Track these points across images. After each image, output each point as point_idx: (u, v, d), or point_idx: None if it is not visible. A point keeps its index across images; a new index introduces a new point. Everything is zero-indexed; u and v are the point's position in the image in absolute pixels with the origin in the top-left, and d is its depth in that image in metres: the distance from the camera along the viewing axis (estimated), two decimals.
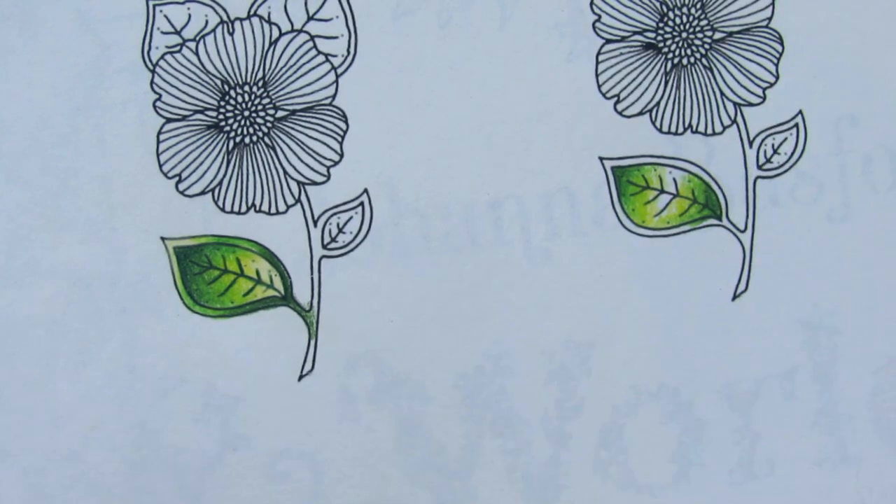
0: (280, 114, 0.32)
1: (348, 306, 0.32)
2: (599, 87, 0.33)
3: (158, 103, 0.32)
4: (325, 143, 0.32)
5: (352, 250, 0.32)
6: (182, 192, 0.32)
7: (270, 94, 0.32)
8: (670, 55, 0.34)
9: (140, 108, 0.32)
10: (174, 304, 0.32)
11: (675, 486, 0.33)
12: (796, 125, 0.34)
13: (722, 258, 0.33)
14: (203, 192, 0.32)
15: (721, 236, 0.33)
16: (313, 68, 0.32)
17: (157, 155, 0.32)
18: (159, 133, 0.32)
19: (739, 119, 0.34)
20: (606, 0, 0.33)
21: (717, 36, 0.34)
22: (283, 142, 0.32)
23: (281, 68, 0.32)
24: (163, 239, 0.32)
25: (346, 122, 0.33)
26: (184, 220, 0.32)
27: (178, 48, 0.32)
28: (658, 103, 0.33)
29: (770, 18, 0.34)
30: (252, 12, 0.32)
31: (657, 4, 0.34)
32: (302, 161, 0.32)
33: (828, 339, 0.33)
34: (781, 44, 0.34)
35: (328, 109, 0.32)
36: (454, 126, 0.33)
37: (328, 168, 0.32)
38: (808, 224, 0.33)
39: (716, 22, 0.34)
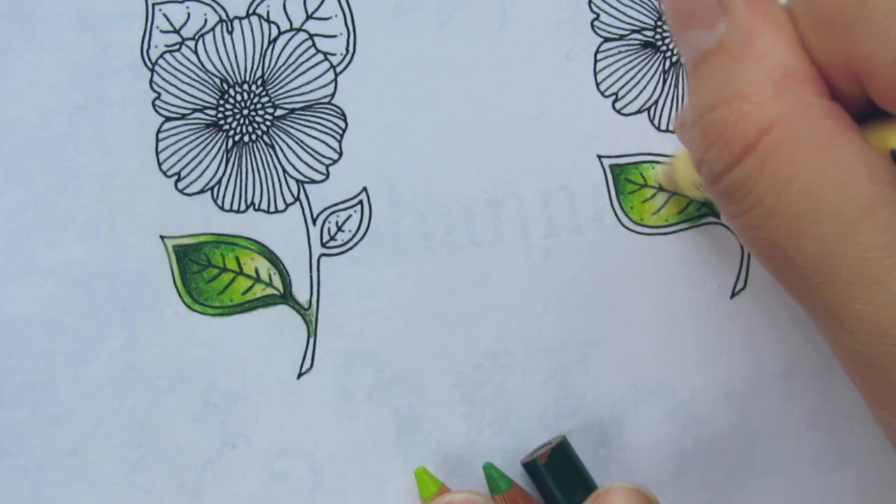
0: (279, 112, 0.32)
1: (347, 304, 0.32)
2: (598, 85, 0.33)
3: (158, 102, 0.32)
4: (324, 142, 0.32)
5: (351, 248, 0.32)
6: (181, 191, 0.32)
7: (269, 92, 0.32)
8: (669, 53, 0.34)
9: (139, 106, 0.32)
10: (173, 302, 0.32)
11: (674, 484, 0.33)
12: None
13: (720, 256, 0.33)
14: (202, 191, 0.32)
15: (720, 234, 0.33)
16: (312, 67, 0.32)
17: (157, 153, 0.32)
18: (158, 132, 0.32)
19: None
20: None
21: None
22: (283, 140, 0.32)
23: (280, 67, 0.32)
24: (162, 237, 0.32)
25: (345, 120, 0.33)
26: (183, 218, 0.32)
27: (177, 47, 0.32)
28: (656, 101, 0.33)
29: None
30: (251, 11, 0.32)
31: (655, 3, 0.34)
32: (301, 159, 0.32)
33: None
34: None
35: (327, 108, 0.33)
36: (453, 124, 0.33)
37: (327, 166, 0.32)
38: None
39: None
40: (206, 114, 0.32)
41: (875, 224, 0.19)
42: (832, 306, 0.20)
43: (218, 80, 0.32)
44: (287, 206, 0.32)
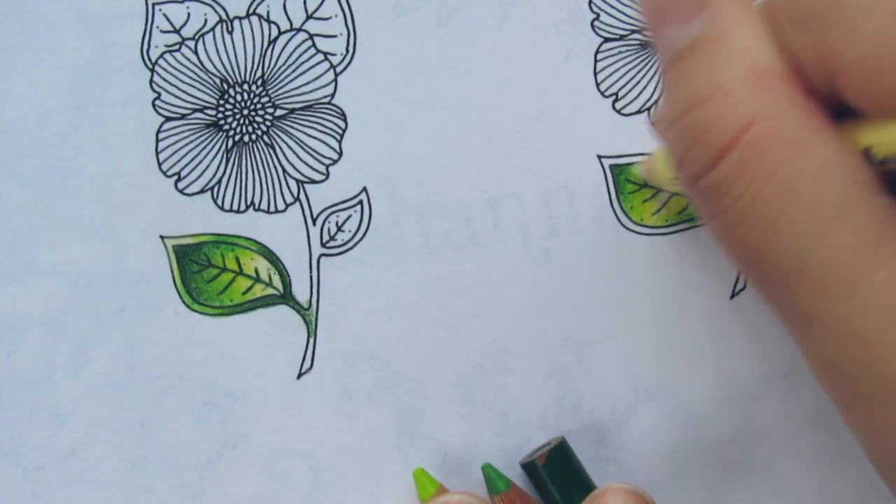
0: (279, 112, 0.32)
1: (347, 304, 0.32)
2: (598, 85, 0.33)
3: (158, 102, 0.32)
4: (324, 142, 0.33)
5: (351, 248, 0.32)
6: (181, 191, 0.32)
7: (269, 92, 0.32)
8: None
9: (139, 106, 0.32)
10: (173, 302, 0.32)
11: (674, 484, 0.33)
12: None
13: (720, 256, 0.33)
14: (202, 191, 0.32)
15: None
16: (312, 67, 0.32)
17: (157, 153, 0.32)
18: (158, 132, 0.32)
19: None
20: None
21: None
22: (283, 140, 0.32)
23: (280, 67, 0.32)
24: (162, 237, 0.32)
25: (345, 120, 0.33)
26: (183, 218, 0.32)
27: (177, 47, 0.32)
28: (656, 101, 0.33)
29: None
30: (251, 11, 0.32)
31: None
32: (301, 160, 0.32)
33: None
34: None
35: (327, 108, 0.33)
36: (453, 125, 0.33)
37: (327, 167, 0.33)
38: None
39: None
40: (206, 114, 0.32)
41: (848, 225, 0.19)
42: (803, 309, 0.20)
43: (218, 80, 0.32)
44: (287, 206, 0.32)
